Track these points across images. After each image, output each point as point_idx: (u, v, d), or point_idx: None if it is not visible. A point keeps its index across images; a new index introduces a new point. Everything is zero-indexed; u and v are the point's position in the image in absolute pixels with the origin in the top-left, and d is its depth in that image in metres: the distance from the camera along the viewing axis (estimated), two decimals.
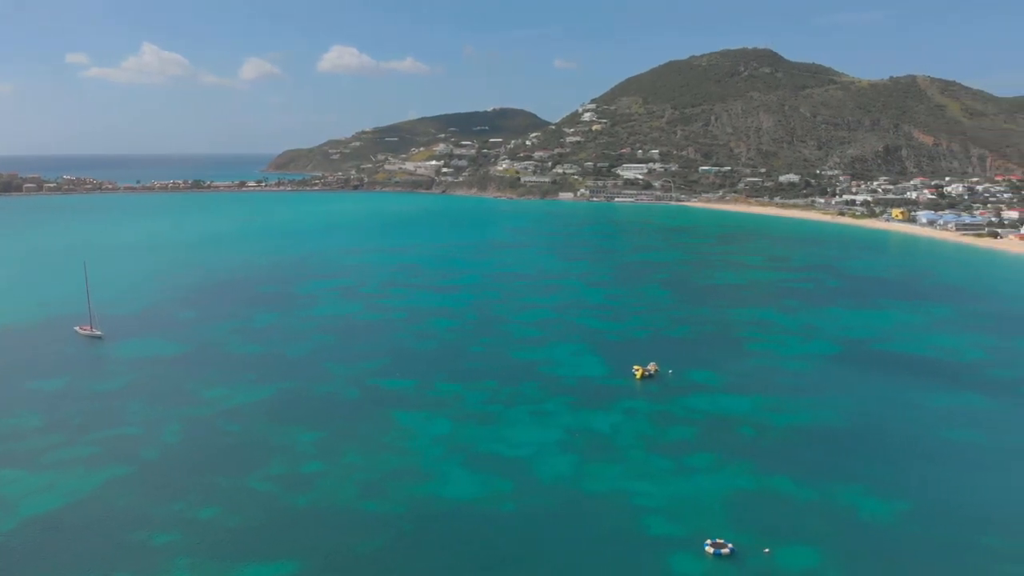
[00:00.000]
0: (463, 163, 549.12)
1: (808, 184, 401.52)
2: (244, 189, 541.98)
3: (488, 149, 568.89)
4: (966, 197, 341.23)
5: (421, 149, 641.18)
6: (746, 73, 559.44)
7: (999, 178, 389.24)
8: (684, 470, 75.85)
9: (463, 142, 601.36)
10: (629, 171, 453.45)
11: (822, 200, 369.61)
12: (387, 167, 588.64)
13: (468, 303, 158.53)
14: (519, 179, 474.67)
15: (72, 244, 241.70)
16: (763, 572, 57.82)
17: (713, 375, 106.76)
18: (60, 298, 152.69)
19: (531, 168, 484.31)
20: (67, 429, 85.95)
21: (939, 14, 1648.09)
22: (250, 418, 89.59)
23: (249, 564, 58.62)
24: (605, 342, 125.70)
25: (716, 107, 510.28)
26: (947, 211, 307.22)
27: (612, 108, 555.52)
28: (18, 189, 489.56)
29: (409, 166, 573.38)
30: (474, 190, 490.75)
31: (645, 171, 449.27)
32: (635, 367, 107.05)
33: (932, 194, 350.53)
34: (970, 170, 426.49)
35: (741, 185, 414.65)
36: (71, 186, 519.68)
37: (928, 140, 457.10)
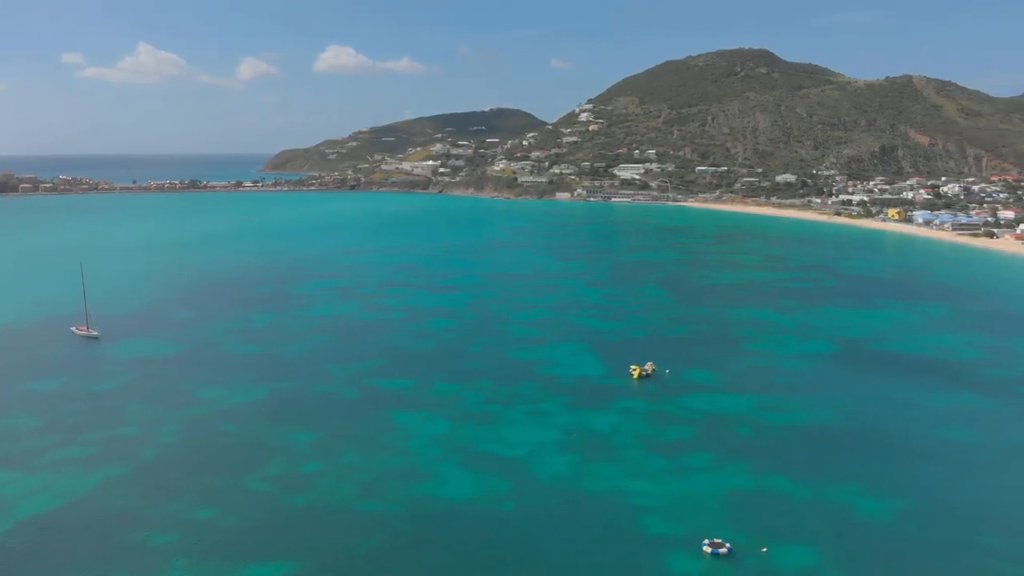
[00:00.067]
0: (460, 163, 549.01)
1: (804, 184, 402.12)
2: (240, 189, 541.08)
3: (485, 149, 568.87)
4: (962, 197, 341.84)
5: (418, 149, 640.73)
6: (742, 73, 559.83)
7: (995, 178, 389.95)
8: (682, 470, 75.90)
9: (460, 142, 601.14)
10: (626, 171, 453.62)
11: (819, 200, 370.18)
12: (384, 167, 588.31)
13: (466, 303, 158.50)
14: (516, 179, 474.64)
15: (68, 244, 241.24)
16: (761, 571, 57.86)
17: (710, 375, 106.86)
18: (56, 298, 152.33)
19: (528, 168, 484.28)
20: (64, 430, 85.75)
21: (935, 14, 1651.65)
22: (247, 418, 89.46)
23: (247, 564, 58.51)
24: (603, 342, 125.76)
25: (713, 107, 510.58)
26: (943, 211, 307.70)
27: (609, 108, 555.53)
28: (14, 189, 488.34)
29: (406, 166, 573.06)
30: (471, 190, 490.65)
31: (642, 171, 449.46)
32: (632, 367, 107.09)
33: (928, 194, 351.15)
34: (966, 170, 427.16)
35: (738, 185, 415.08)
36: (67, 186, 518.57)
37: (924, 140, 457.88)
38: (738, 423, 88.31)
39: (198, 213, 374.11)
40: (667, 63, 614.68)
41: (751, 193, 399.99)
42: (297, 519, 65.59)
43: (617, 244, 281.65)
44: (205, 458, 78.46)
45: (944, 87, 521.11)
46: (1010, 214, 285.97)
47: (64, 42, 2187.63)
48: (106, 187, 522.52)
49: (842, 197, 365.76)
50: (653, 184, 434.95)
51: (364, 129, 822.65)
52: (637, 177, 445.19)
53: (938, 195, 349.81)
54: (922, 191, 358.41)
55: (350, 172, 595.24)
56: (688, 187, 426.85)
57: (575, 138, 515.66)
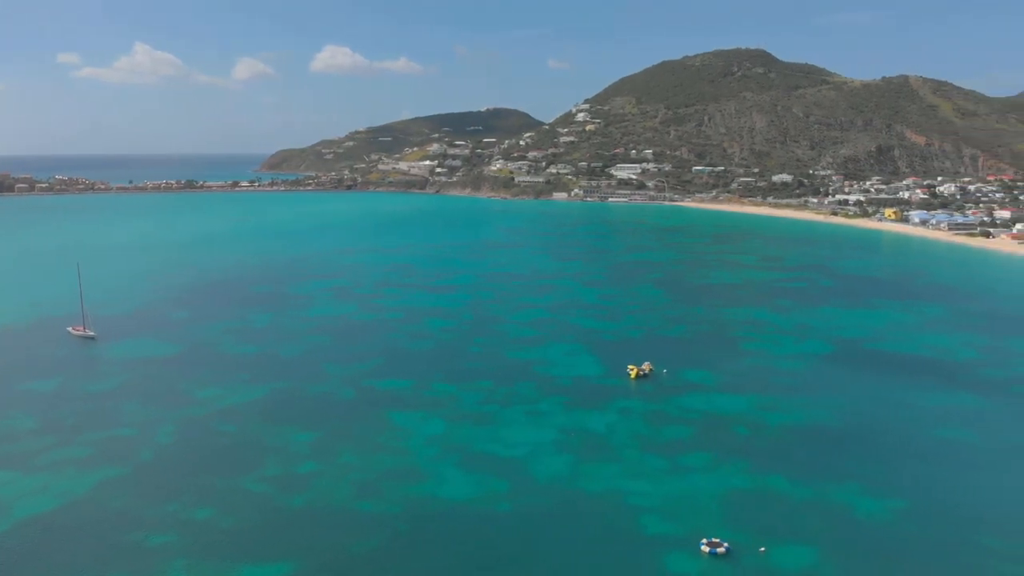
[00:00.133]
0: (457, 163, 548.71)
1: (801, 184, 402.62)
2: (237, 189, 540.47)
3: (482, 149, 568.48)
4: (958, 197, 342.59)
5: (415, 149, 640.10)
6: (739, 73, 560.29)
7: (991, 178, 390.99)
8: (679, 469, 75.99)
9: (457, 142, 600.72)
10: (623, 171, 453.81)
11: (815, 200, 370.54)
12: (380, 167, 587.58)
13: (463, 303, 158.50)
14: (513, 179, 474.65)
15: (65, 244, 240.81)
16: (759, 571, 57.96)
17: (708, 374, 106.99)
18: (53, 299, 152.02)
19: (525, 168, 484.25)
20: (61, 430, 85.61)
21: (931, 15, 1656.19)
22: (245, 418, 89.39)
23: (245, 565, 58.48)
24: (600, 342, 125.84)
25: (709, 107, 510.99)
26: (939, 211, 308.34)
27: (606, 108, 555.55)
28: (10, 189, 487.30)
29: (403, 166, 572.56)
30: (468, 190, 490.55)
31: (639, 171, 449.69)
32: (630, 367, 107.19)
33: (924, 194, 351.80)
34: (962, 170, 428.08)
35: (734, 185, 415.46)
36: (63, 186, 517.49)
37: (920, 140, 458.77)
38: (736, 423, 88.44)
39: (195, 213, 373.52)
40: (664, 63, 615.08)
41: (748, 193, 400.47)
42: (295, 519, 65.56)
43: (614, 244, 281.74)
44: (203, 458, 78.38)
45: (940, 87, 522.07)
46: (1006, 214, 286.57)
47: (60, 42, 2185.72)
48: (102, 187, 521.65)
49: (838, 197, 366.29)
50: (650, 184, 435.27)
51: (361, 129, 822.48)
52: (634, 177, 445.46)
53: (934, 195, 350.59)
54: (918, 191, 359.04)
55: (347, 172, 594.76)
56: (685, 187, 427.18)
57: (572, 138, 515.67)
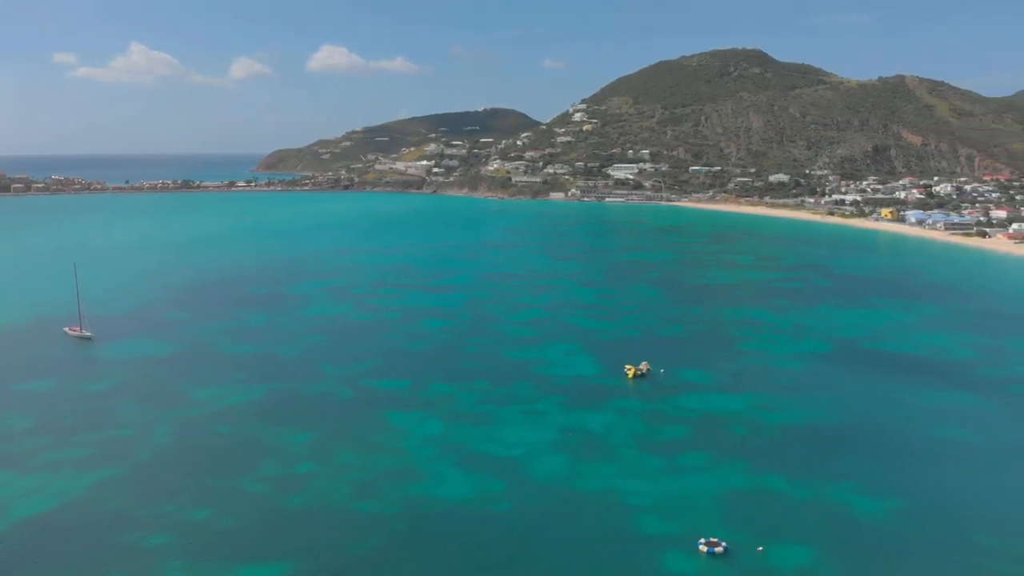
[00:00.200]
0: (454, 163, 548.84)
1: (798, 184, 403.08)
2: (234, 189, 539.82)
3: (479, 149, 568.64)
4: (954, 197, 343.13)
5: (411, 149, 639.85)
6: (736, 73, 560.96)
7: (987, 178, 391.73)
8: (677, 469, 76.05)
9: (454, 142, 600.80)
10: (620, 171, 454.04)
11: (812, 200, 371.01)
12: (377, 167, 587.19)
13: (461, 303, 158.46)
14: (510, 179, 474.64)
15: (61, 244, 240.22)
16: (756, 570, 58.01)
17: (705, 374, 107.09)
18: (49, 299, 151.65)
19: (522, 168, 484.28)
20: (57, 431, 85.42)
21: (927, 15, 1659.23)
22: (242, 419, 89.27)
23: (242, 566, 58.40)
24: (597, 342, 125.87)
25: (706, 107, 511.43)
26: (936, 211, 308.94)
27: (602, 108, 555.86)
28: (6, 189, 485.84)
29: (400, 166, 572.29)
30: (465, 190, 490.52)
31: (635, 171, 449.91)
32: (627, 366, 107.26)
33: (921, 194, 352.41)
34: (958, 170, 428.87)
35: (731, 185, 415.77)
36: (59, 186, 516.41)
37: (917, 140, 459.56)
38: (733, 422, 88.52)
39: (191, 213, 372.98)
40: (661, 63, 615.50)
41: (744, 193, 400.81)
42: (293, 520, 65.47)
43: (611, 244, 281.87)
44: (200, 459, 78.24)
45: (936, 87, 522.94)
46: (1002, 214, 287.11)
47: (56, 42, 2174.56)
48: (98, 187, 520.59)
49: (835, 197, 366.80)
50: (647, 184, 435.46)
51: (357, 129, 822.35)
52: (631, 177, 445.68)
53: (931, 195, 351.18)
54: (915, 191, 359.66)
55: (343, 172, 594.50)
56: (682, 187, 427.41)
57: (569, 138, 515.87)
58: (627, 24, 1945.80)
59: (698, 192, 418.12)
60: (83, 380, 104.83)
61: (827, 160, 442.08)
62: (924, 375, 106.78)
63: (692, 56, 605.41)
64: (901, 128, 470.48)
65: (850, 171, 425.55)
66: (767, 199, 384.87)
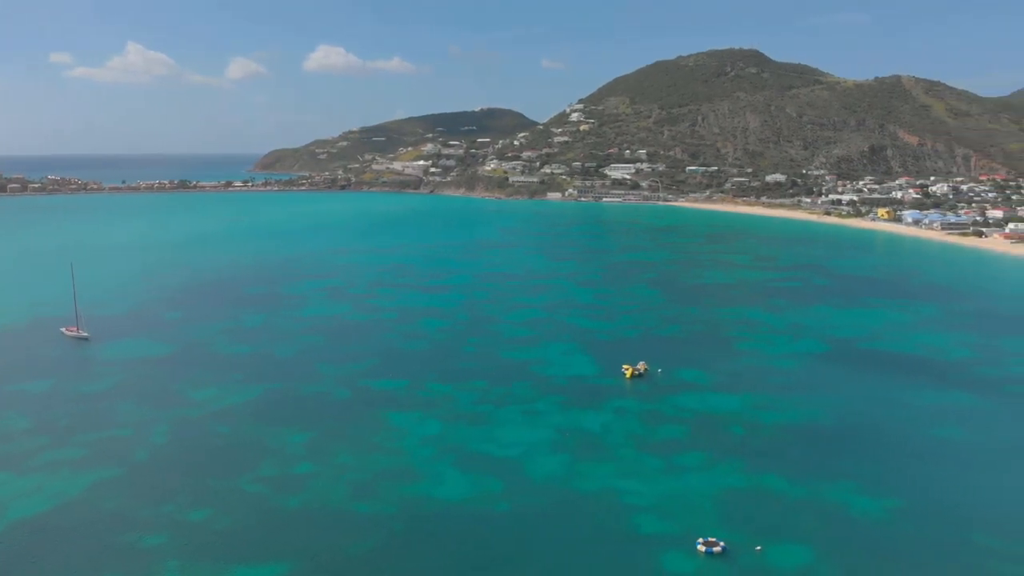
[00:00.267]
0: (451, 163, 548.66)
1: (794, 184, 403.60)
2: (230, 189, 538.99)
3: (476, 149, 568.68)
4: (951, 197, 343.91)
5: (409, 149, 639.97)
6: (732, 73, 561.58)
7: (983, 178, 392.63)
8: (675, 469, 76.05)
9: (451, 142, 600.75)
10: (617, 171, 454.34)
11: (808, 200, 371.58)
12: (374, 167, 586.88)
13: (458, 303, 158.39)
14: (507, 179, 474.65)
15: (57, 245, 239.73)
16: (755, 570, 58.03)
17: (703, 374, 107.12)
18: (46, 299, 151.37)
19: (519, 168, 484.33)
20: (54, 431, 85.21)
21: (924, 16, 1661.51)
22: (240, 419, 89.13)
23: (240, 566, 58.28)
24: (595, 341, 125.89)
25: (703, 107, 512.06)
26: (932, 210, 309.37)
27: (599, 108, 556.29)
28: (2, 189, 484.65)
29: (397, 166, 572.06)
30: (462, 190, 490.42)
31: (633, 171, 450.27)
32: (625, 366, 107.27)
33: (917, 194, 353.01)
34: (955, 170, 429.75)
35: (728, 185, 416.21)
36: (56, 186, 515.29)
37: (913, 140, 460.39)
38: (731, 422, 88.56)
39: (188, 213, 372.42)
40: (657, 63, 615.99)
41: (741, 193, 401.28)
42: (290, 520, 65.37)
43: (608, 244, 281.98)
44: (197, 459, 78.08)
45: (933, 87, 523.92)
46: (998, 213, 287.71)
47: (52, 41, 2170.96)
48: (95, 187, 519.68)
49: (831, 197, 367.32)
50: (644, 184, 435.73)
51: (354, 129, 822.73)
52: (628, 177, 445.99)
53: (927, 195, 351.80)
54: (911, 191, 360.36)
55: (340, 172, 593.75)
56: (679, 187, 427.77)
57: (566, 138, 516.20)
58: (625, 24, 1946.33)
59: (695, 192, 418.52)
60: (80, 380, 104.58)
61: (823, 160, 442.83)
62: (921, 375, 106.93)
63: (689, 56, 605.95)
64: (897, 128, 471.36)
65: (846, 171, 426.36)
66: (764, 199, 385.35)
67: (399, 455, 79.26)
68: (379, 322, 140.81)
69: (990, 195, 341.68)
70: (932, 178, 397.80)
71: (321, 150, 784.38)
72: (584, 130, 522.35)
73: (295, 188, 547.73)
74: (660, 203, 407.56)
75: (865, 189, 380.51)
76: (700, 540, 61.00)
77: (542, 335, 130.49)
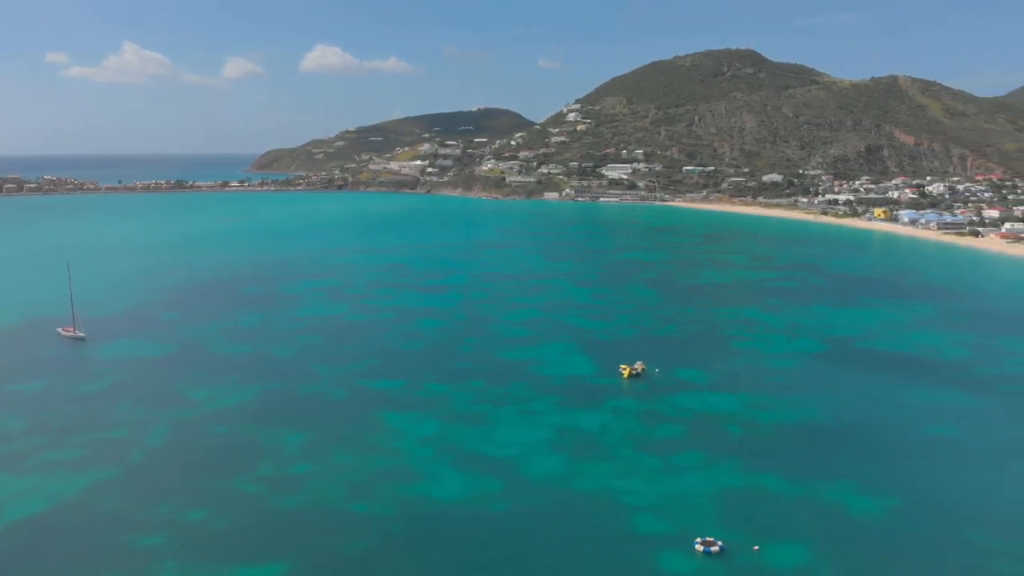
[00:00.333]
0: (448, 163, 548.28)
1: (791, 184, 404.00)
2: (227, 189, 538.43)
3: (473, 149, 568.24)
4: (947, 196, 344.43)
5: (406, 149, 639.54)
6: (729, 73, 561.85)
7: (980, 177, 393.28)
8: (673, 468, 76.07)
9: (448, 142, 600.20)
10: (614, 171, 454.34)
11: (805, 200, 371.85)
12: (371, 167, 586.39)
13: (455, 303, 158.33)
14: (504, 179, 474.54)
15: (54, 245, 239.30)
16: (753, 569, 58.06)
17: (700, 374, 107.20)
18: (42, 299, 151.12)
19: (516, 168, 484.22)
20: (51, 431, 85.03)
21: (920, 16, 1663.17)
22: (237, 419, 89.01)
23: (237, 566, 58.17)
24: (592, 341, 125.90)
25: (700, 107, 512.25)
26: (929, 210, 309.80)
27: (596, 108, 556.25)
28: None
29: (394, 166, 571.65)
30: (459, 190, 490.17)
31: (630, 171, 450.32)
32: (622, 366, 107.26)
33: (914, 193, 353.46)
34: (951, 170, 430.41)
35: (725, 185, 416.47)
36: (52, 187, 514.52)
37: (909, 140, 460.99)
38: (728, 422, 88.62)
39: (184, 213, 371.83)
40: (654, 63, 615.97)
41: (738, 193, 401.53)
42: (288, 520, 65.28)
43: (606, 244, 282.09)
44: (195, 460, 77.97)
45: (929, 87, 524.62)
46: (995, 213, 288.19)
47: (48, 41, 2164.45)
48: (91, 187, 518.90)
49: (828, 197, 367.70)
50: (641, 184, 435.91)
51: (351, 129, 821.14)
52: (625, 177, 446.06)
53: (923, 194, 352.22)
54: (907, 191, 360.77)
55: (337, 172, 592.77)
56: (675, 187, 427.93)
57: (563, 138, 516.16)
58: (622, 24, 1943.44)
59: (692, 192, 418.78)
60: (77, 381, 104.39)
61: (820, 160, 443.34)
62: (918, 374, 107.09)
63: (686, 56, 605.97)
64: (894, 128, 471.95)
65: (843, 171, 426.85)
66: (760, 199, 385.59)
67: (397, 455, 79.20)
68: (376, 322, 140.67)
69: (986, 195, 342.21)
70: (928, 178, 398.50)
71: (318, 150, 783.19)
72: (581, 130, 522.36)
73: (292, 188, 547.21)
74: (657, 203, 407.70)
75: (862, 189, 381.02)
76: (698, 540, 61.02)
77: (540, 335, 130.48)
